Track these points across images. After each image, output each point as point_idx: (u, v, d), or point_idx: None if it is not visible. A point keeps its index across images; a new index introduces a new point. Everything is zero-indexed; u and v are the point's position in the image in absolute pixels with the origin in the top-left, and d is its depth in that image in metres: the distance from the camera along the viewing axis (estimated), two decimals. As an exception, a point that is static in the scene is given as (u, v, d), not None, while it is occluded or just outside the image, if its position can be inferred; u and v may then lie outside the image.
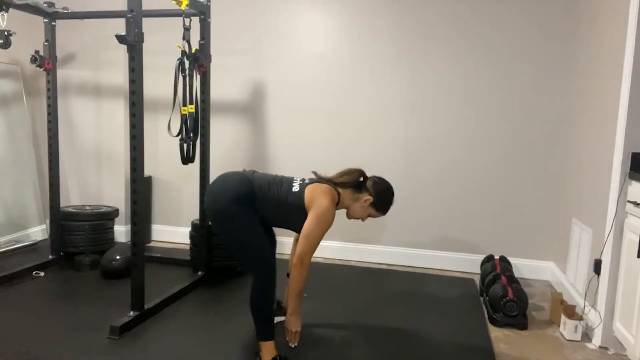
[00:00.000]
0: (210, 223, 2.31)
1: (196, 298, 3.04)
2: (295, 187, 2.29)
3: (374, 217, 2.45)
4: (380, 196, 2.37)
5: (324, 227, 2.20)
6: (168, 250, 4.05)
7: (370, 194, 2.35)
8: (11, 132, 4.02)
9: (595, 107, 2.95)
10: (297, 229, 2.32)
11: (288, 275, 2.67)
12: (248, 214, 2.20)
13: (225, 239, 2.28)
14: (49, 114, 3.52)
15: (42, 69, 3.42)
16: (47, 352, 2.30)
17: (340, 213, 2.45)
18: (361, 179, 2.39)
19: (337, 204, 2.32)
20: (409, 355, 2.38)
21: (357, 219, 2.45)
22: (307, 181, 2.34)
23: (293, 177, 2.38)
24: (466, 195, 3.70)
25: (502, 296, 2.76)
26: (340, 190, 2.33)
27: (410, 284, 3.41)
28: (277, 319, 2.65)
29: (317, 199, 2.22)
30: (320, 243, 2.25)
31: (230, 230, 2.21)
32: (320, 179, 2.36)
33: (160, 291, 2.97)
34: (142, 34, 2.54)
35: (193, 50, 3.00)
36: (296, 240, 2.64)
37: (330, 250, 3.91)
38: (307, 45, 3.85)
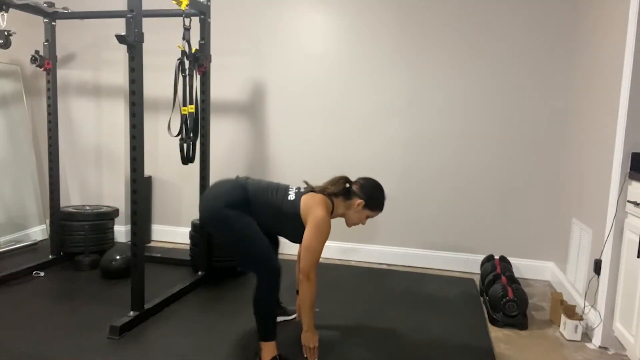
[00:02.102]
0: (208, 231, 2.29)
1: (196, 298, 3.04)
2: (291, 196, 2.29)
3: (372, 217, 2.44)
4: (371, 196, 2.37)
5: (322, 237, 2.21)
6: (168, 250, 4.05)
7: (360, 197, 2.35)
8: (11, 132, 4.02)
9: (595, 107, 2.95)
10: (292, 237, 2.34)
11: (297, 292, 2.67)
12: (243, 216, 2.20)
13: (225, 243, 2.28)
14: (49, 114, 3.52)
15: (42, 69, 3.42)
16: (47, 352, 2.30)
17: (340, 220, 2.45)
18: (347, 185, 2.38)
19: (332, 213, 2.33)
20: (409, 355, 2.38)
21: (356, 224, 2.44)
22: (302, 190, 2.34)
23: (289, 185, 2.38)
24: (466, 195, 3.71)
25: (502, 296, 2.76)
26: (333, 199, 2.33)
27: (410, 284, 3.41)
28: (278, 319, 2.65)
29: (313, 210, 2.22)
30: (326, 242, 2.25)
31: (229, 233, 2.20)
32: (314, 189, 2.35)
33: (160, 291, 2.98)
34: (142, 34, 2.54)
35: (193, 50, 3.00)
36: (299, 255, 2.64)
37: (330, 250, 3.91)
38: (307, 45, 3.85)
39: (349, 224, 2.45)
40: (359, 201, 2.34)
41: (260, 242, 2.21)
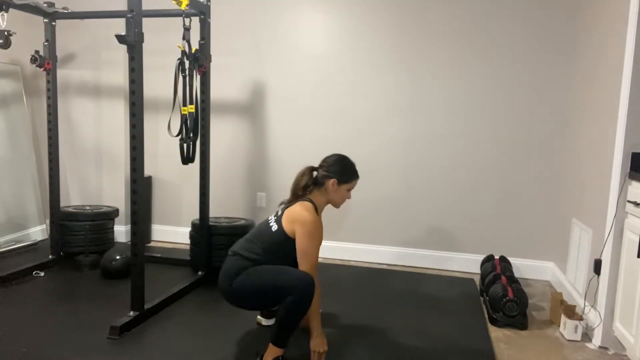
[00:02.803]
0: (237, 303, 2.32)
1: (196, 298, 3.04)
2: (274, 226, 2.29)
3: (352, 188, 2.42)
4: (340, 170, 2.36)
5: (315, 239, 2.21)
6: (168, 250, 4.05)
7: (330, 177, 2.34)
8: (11, 132, 4.02)
9: (595, 107, 2.95)
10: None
11: None
12: (248, 271, 2.21)
13: (261, 303, 2.31)
14: (49, 114, 3.52)
15: (42, 69, 3.42)
16: (47, 352, 2.30)
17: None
18: (314, 173, 2.38)
19: (317, 209, 2.32)
20: (409, 355, 2.38)
21: (343, 202, 2.42)
22: (279, 212, 2.34)
23: (268, 218, 2.39)
24: (466, 195, 3.71)
25: (502, 296, 2.76)
26: (310, 197, 2.33)
27: (410, 284, 3.41)
28: (271, 322, 2.65)
29: (296, 220, 2.23)
30: (321, 243, 2.25)
31: (252, 294, 2.21)
32: (288, 202, 2.35)
33: (160, 291, 2.98)
34: (142, 34, 2.54)
35: (193, 50, 2.99)
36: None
37: (330, 250, 3.91)
38: (307, 45, 3.85)
39: (336, 205, 2.43)
40: (331, 181, 2.33)
41: (280, 271, 2.18)
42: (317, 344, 2.25)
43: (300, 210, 2.25)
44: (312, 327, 2.26)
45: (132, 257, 2.66)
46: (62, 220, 3.63)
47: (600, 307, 2.55)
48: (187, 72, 2.97)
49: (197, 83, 3.10)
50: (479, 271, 3.51)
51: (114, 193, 4.21)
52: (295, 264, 2.26)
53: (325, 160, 2.41)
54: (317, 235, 2.22)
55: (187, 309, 2.86)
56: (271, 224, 2.32)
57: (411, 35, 3.67)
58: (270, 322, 2.65)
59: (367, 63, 3.76)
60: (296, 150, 3.95)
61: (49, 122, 3.53)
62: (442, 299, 3.15)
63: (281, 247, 2.27)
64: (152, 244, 4.25)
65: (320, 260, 3.81)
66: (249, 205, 4.10)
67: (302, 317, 2.15)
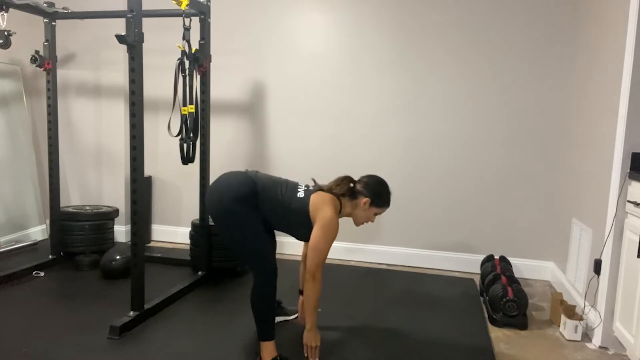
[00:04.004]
0: (211, 221, 2.28)
1: (196, 298, 3.04)
2: (300, 193, 2.27)
3: (380, 214, 2.42)
4: (377, 193, 2.36)
5: (330, 237, 2.20)
6: (168, 250, 4.05)
7: (365, 195, 2.34)
8: (11, 132, 4.02)
9: (595, 107, 2.95)
10: (298, 235, 2.33)
11: (300, 292, 2.67)
12: (249, 214, 2.19)
13: (226, 238, 2.26)
14: (49, 114, 3.52)
15: (42, 69, 3.42)
16: (47, 352, 2.30)
17: (346, 220, 2.44)
18: (352, 185, 2.38)
19: (339, 212, 2.32)
20: (409, 355, 2.38)
21: (365, 222, 2.43)
22: (311, 188, 2.33)
23: (297, 183, 2.36)
24: (466, 195, 3.71)
25: (502, 296, 2.76)
26: (340, 199, 2.33)
27: (410, 284, 3.41)
28: (278, 319, 2.66)
29: (321, 209, 2.21)
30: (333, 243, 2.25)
31: (232, 229, 2.20)
32: (322, 188, 2.34)
33: (160, 291, 2.98)
34: (142, 34, 2.54)
35: (193, 50, 3.00)
36: (304, 256, 2.64)
37: (331, 250, 3.89)
38: (307, 45, 3.85)
39: (357, 223, 2.43)
40: (365, 199, 2.33)
41: (260, 242, 2.21)
42: (310, 337, 2.26)
43: (329, 203, 2.23)
44: (307, 321, 2.26)
45: (132, 257, 2.66)
46: (62, 220, 3.63)
47: (600, 307, 2.55)
48: (187, 72, 2.97)
49: (197, 83, 3.10)
50: (479, 271, 3.51)
51: (114, 193, 4.21)
52: (271, 231, 2.33)
53: (367, 177, 2.40)
54: (332, 234, 2.21)
55: (187, 309, 2.86)
56: (299, 190, 2.29)
57: (411, 35, 3.67)
58: None
59: (367, 63, 3.76)
60: (296, 150, 3.95)
61: (49, 122, 3.53)
62: (442, 299, 3.15)
63: (290, 212, 2.24)
64: (152, 244, 4.25)
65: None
66: (249, 205, 4.10)
67: (267, 305, 2.20)
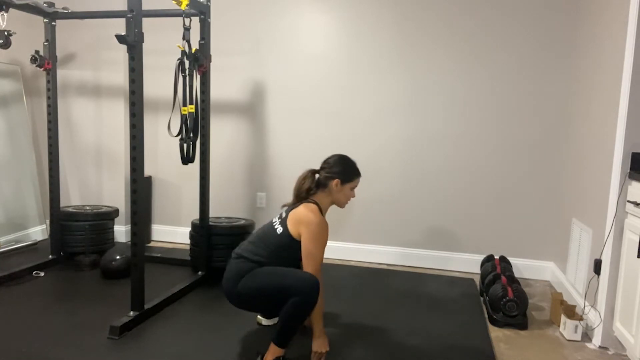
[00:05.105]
0: (242, 305, 2.33)
1: (196, 298, 3.04)
2: (278, 229, 2.30)
3: (355, 187, 2.43)
4: (342, 170, 2.37)
5: (321, 240, 2.22)
6: (168, 250, 4.05)
7: (333, 177, 2.35)
8: (11, 132, 4.02)
9: (595, 106, 2.95)
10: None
11: None
12: (252, 272, 2.21)
13: (267, 304, 2.28)
14: (49, 114, 3.52)
15: (42, 69, 3.42)
16: (47, 352, 2.30)
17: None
18: (316, 176, 2.39)
19: (322, 210, 2.33)
20: (409, 355, 2.38)
21: (348, 201, 2.43)
22: (283, 215, 2.35)
23: (272, 220, 2.40)
24: (466, 195, 3.71)
25: (502, 296, 2.76)
26: (314, 199, 2.34)
27: (410, 284, 3.41)
28: (274, 321, 2.66)
29: (302, 221, 2.23)
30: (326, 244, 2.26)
31: (257, 296, 2.20)
32: (292, 205, 2.36)
33: (160, 291, 2.98)
34: (142, 34, 2.54)
35: (193, 50, 3.00)
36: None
37: (330, 250, 3.91)
38: (307, 45, 3.85)
39: (341, 205, 2.43)
40: (334, 182, 2.34)
41: (282, 272, 2.18)
42: (319, 344, 2.25)
43: (306, 211, 2.25)
44: (315, 328, 2.26)
45: (132, 257, 2.66)
46: (62, 220, 3.63)
47: (600, 307, 2.55)
48: (187, 72, 2.97)
49: (197, 83, 3.10)
50: (479, 271, 3.52)
51: (114, 193, 4.21)
52: (299, 266, 2.27)
53: (326, 161, 2.42)
54: (322, 237, 2.22)
55: (187, 309, 2.86)
56: (276, 227, 2.32)
57: (410, 35, 3.67)
58: (271, 322, 2.65)
59: (367, 63, 3.76)
60: (296, 150, 3.95)
61: (49, 122, 3.53)
62: (442, 299, 3.15)
63: (286, 249, 2.27)
64: (152, 244, 4.25)
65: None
66: (249, 205, 4.11)
67: (305, 318, 2.14)
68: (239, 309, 2.36)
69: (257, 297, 2.21)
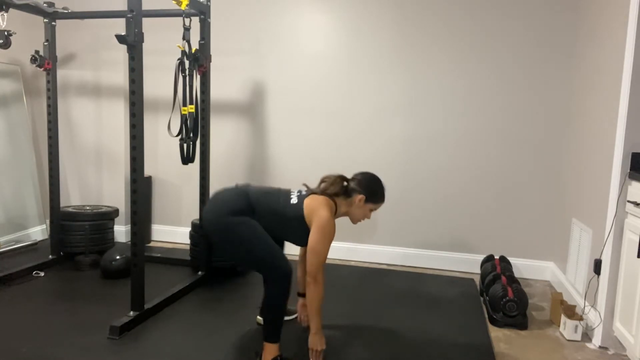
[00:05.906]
0: (213, 242, 2.28)
1: (196, 298, 3.04)
2: (294, 199, 2.29)
3: (375, 209, 2.43)
4: (371, 189, 2.37)
5: (328, 239, 2.21)
6: (168, 250, 4.05)
7: (359, 192, 2.35)
8: (11, 132, 4.02)
9: (595, 107, 2.95)
10: (296, 240, 2.33)
11: (298, 294, 2.68)
12: (250, 222, 2.19)
13: (234, 254, 2.25)
14: (49, 114, 3.52)
15: (42, 69, 3.42)
16: (47, 352, 2.30)
17: (346, 220, 2.43)
18: (345, 183, 2.38)
19: (335, 213, 2.33)
20: (409, 355, 2.38)
21: (361, 220, 2.44)
22: (304, 193, 2.34)
23: (290, 190, 2.38)
24: (466, 195, 3.71)
25: (502, 296, 2.76)
26: (334, 199, 2.34)
27: (410, 284, 3.41)
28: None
29: (317, 211, 2.22)
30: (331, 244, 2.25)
31: (237, 242, 2.18)
32: (315, 192, 2.35)
33: (160, 291, 2.98)
34: (142, 34, 2.54)
35: (193, 50, 3.00)
36: (302, 257, 2.64)
37: (330, 250, 3.87)
38: (307, 46, 3.85)
39: (354, 220, 2.44)
40: (359, 197, 2.34)
41: (269, 245, 2.19)
42: (315, 341, 2.25)
43: (323, 204, 2.25)
44: (311, 324, 2.26)
45: (132, 257, 2.66)
46: (62, 220, 3.63)
47: (600, 307, 2.55)
48: (187, 72, 2.97)
49: (197, 83, 3.11)
50: (479, 271, 3.52)
51: (114, 193, 4.21)
52: (280, 245, 2.29)
53: (359, 174, 2.41)
54: (329, 234, 2.22)
55: (187, 309, 2.86)
56: (292, 196, 2.30)
57: (410, 35, 3.67)
58: None
59: (367, 63, 3.76)
60: (296, 150, 3.95)
61: (49, 122, 3.53)
62: (442, 299, 3.15)
63: (286, 219, 2.25)
64: (152, 244, 4.25)
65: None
66: (249, 205, 4.10)
67: (283, 308, 2.17)
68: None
69: (237, 245, 2.18)
